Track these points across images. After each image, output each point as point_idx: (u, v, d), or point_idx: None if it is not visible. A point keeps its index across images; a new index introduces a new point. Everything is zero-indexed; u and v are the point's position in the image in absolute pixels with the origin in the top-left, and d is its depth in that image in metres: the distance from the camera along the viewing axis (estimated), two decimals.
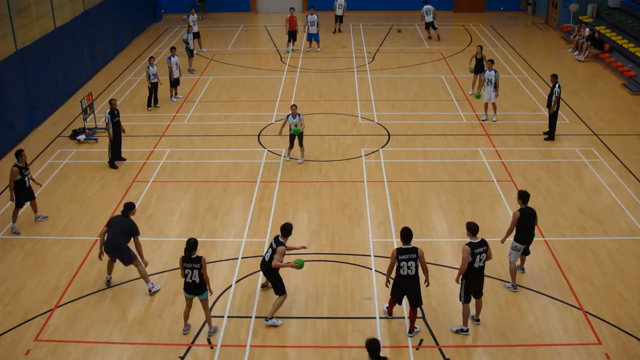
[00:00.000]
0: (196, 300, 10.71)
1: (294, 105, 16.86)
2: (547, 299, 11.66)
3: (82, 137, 18.62)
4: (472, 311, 10.99)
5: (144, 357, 10.41)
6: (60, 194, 15.64)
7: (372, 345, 8.19)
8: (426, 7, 28.72)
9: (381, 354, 8.21)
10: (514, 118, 19.92)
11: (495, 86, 18.99)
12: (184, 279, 10.52)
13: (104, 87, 23.40)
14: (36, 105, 19.82)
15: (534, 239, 11.88)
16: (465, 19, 33.64)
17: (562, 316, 11.22)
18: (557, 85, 17.77)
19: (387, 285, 10.82)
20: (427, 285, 10.81)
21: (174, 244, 13.47)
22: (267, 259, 10.95)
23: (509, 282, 11.93)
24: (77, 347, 10.64)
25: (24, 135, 18.87)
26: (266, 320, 11.08)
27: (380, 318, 11.18)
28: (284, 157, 17.20)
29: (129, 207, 11.87)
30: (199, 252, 11.17)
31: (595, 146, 17.95)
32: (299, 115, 16.63)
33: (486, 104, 19.54)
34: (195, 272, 10.32)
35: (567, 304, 11.53)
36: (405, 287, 10.57)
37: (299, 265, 10.99)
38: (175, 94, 21.85)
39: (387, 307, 11.16)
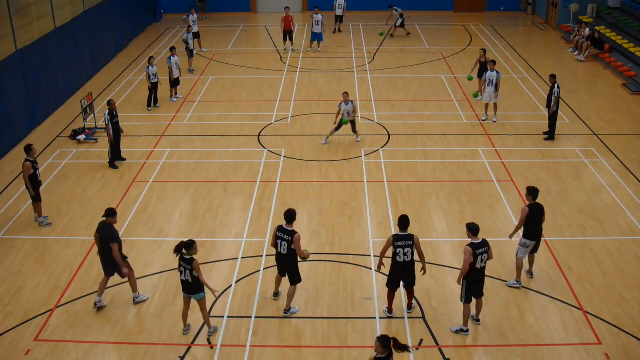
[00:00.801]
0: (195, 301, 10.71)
1: (345, 92, 17.53)
2: (547, 299, 11.66)
3: (82, 137, 18.62)
4: (473, 311, 10.99)
5: (144, 357, 10.41)
6: (60, 194, 15.64)
7: (383, 340, 8.14)
8: (398, 10, 29.82)
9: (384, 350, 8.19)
10: (514, 118, 19.92)
11: (496, 87, 18.99)
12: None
13: (104, 87, 23.40)
14: (36, 105, 19.81)
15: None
16: (465, 19, 33.65)
17: (562, 316, 11.21)
18: (556, 85, 17.76)
19: (378, 270, 11.13)
20: (424, 274, 10.85)
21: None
22: (284, 252, 10.88)
23: (511, 280, 11.93)
24: (77, 347, 10.63)
25: (24, 135, 18.85)
26: (285, 312, 11.23)
27: (380, 318, 11.18)
28: (322, 142, 17.98)
29: (108, 214, 11.12)
30: (199, 252, 11.15)
31: (595, 146, 17.95)
32: (351, 102, 17.38)
33: (487, 104, 19.55)
34: (188, 272, 10.33)
35: (567, 304, 11.53)
36: (401, 273, 10.76)
37: (308, 254, 11.19)
38: (175, 94, 21.85)
39: (387, 308, 11.17)
